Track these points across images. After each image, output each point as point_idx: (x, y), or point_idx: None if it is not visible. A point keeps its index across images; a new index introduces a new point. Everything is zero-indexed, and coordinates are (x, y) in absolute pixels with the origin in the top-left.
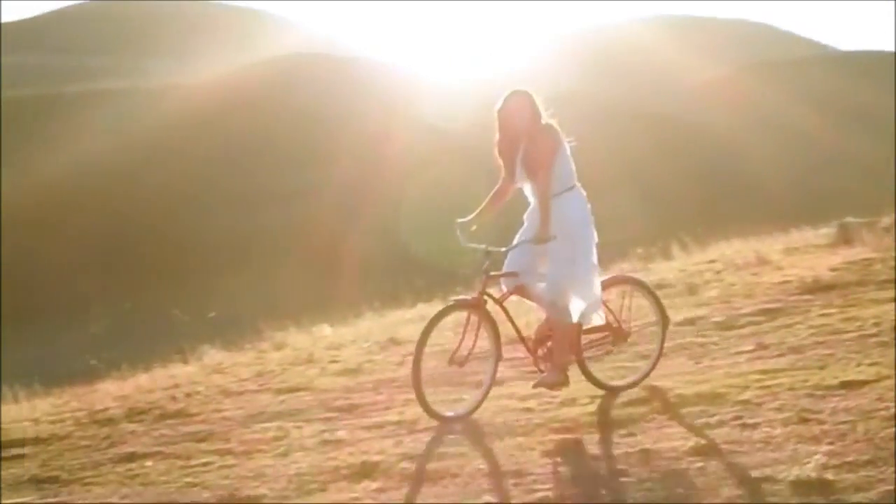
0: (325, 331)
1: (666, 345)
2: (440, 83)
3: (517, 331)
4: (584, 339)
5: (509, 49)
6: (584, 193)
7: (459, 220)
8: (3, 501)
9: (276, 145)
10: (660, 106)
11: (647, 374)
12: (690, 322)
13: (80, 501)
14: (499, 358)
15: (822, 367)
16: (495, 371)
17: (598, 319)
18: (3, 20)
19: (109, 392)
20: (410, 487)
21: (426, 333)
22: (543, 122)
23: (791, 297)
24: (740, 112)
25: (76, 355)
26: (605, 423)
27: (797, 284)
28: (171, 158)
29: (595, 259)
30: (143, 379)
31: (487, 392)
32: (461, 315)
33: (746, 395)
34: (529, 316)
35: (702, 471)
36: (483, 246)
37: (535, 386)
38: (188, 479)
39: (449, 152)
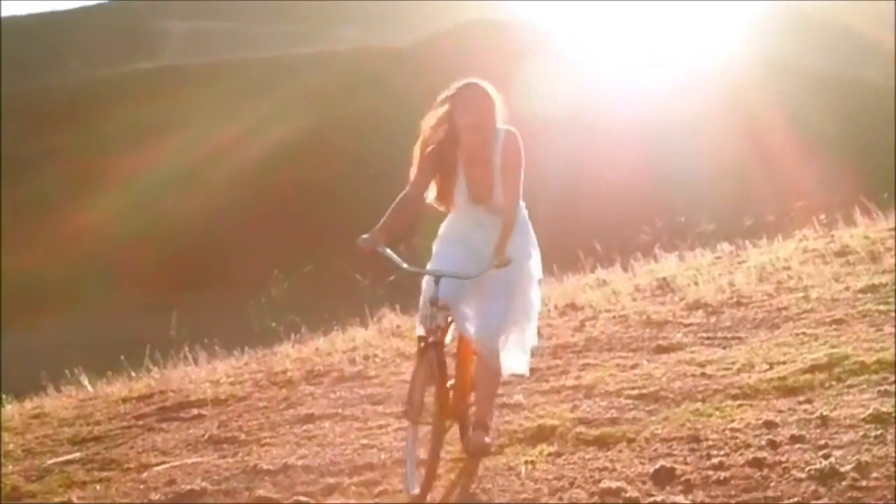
0: None
1: (848, 311)
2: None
3: (442, 379)
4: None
5: (702, 22)
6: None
7: (365, 237)
8: (185, 461)
9: None
10: (847, 75)
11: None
12: (872, 289)
13: (257, 461)
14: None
15: None
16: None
17: (523, 368)
18: None
19: (288, 355)
20: (585, 451)
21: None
22: (501, 127)
23: None
24: None
25: (257, 319)
26: (783, 390)
27: None
28: (352, 124)
29: (538, 297)
30: (321, 342)
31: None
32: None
33: None
34: None
35: (880, 438)
36: (433, 269)
37: (471, 454)
38: (364, 441)
39: (622, 131)
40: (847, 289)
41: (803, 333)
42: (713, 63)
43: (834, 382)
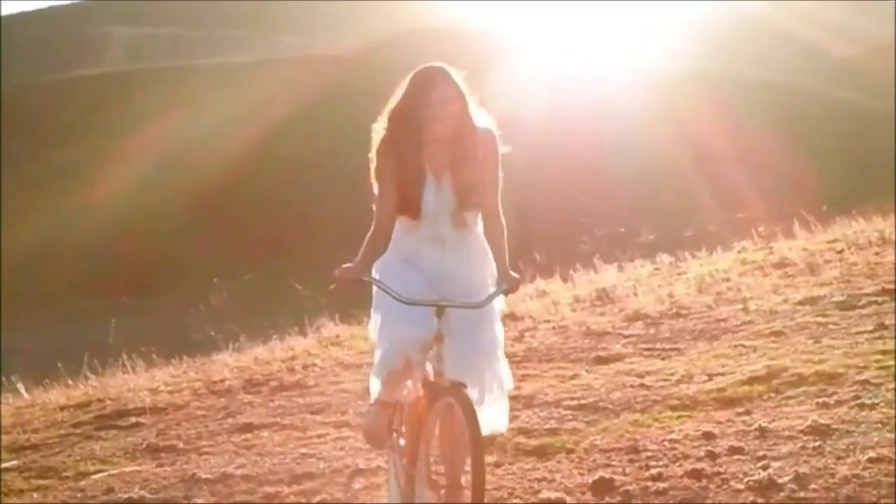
0: None
1: (787, 323)
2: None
3: (422, 435)
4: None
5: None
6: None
7: (348, 266)
8: (123, 469)
9: None
10: (794, 83)
11: None
12: (811, 301)
13: (195, 470)
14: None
15: None
16: None
17: (501, 425)
18: None
19: (227, 363)
20: (524, 462)
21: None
22: (476, 118)
23: None
24: (875, 90)
25: (196, 327)
26: (722, 401)
27: None
28: (294, 131)
29: (502, 333)
30: (260, 351)
31: None
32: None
33: (865, 375)
34: None
35: (818, 450)
36: (436, 300)
37: None
38: (304, 450)
39: (576, 134)
40: (786, 301)
41: (742, 345)
42: (653, 73)
43: (772, 394)
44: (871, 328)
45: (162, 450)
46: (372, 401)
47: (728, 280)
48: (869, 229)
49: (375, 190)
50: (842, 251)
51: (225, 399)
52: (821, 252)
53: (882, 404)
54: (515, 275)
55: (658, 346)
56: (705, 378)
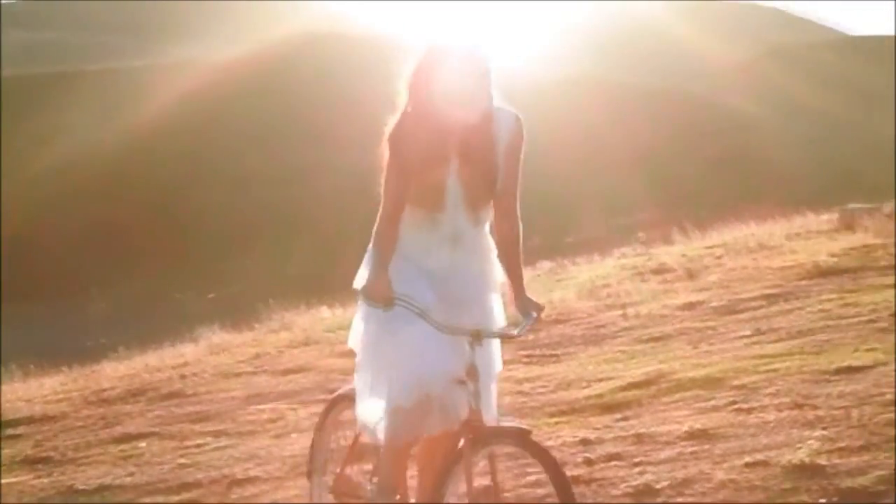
0: (324, 313)
1: (666, 329)
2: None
3: (446, 484)
4: None
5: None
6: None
7: (372, 281)
8: (1, 481)
9: (284, 125)
10: (674, 89)
11: None
12: (690, 307)
13: (72, 482)
14: None
15: (819, 353)
16: None
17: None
18: None
19: (106, 373)
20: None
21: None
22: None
23: (791, 282)
24: (755, 95)
25: (82, 336)
26: (601, 407)
27: (797, 270)
28: (178, 139)
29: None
30: (140, 361)
31: None
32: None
33: (743, 380)
34: None
35: (696, 455)
36: (475, 329)
37: None
38: (182, 460)
39: None
40: (665, 306)
41: (622, 351)
42: (537, 77)
43: (651, 399)
44: (749, 333)
45: (40, 461)
46: (359, 428)
47: (608, 286)
48: (747, 235)
49: (387, 182)
50: (721, 257)
51: (104, 409)
52: (700, 258)
53: (759, 409)
54: (531, 297)
55: (538, 352)
56: (584, 384)
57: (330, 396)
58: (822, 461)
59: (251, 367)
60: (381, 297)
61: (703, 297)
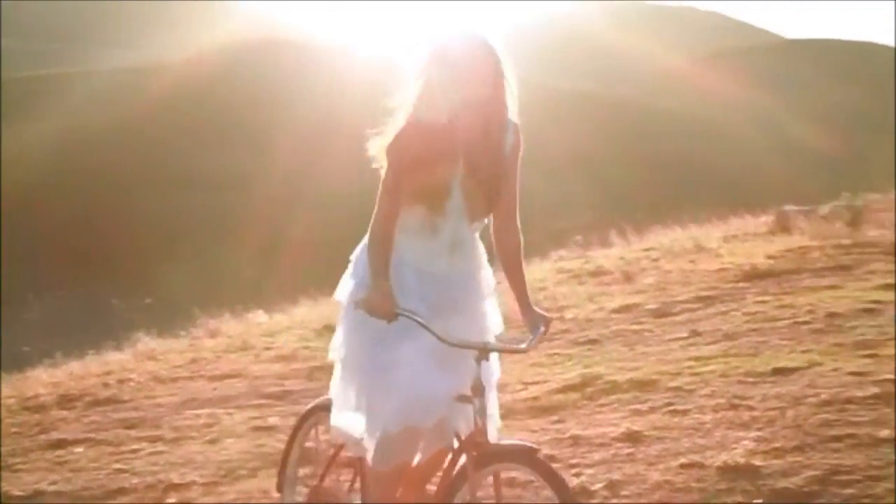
0: (260, 318)
1: (602, 332)
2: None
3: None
4: None
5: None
6: None
7: (375, 295)
8: None
9: (219, 131)
10: (610, 93)
11: None
12: (626, 309)
13: (8, 488)
14: None
15: (754, 354)
16: None
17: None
18: None
19: (41, 379)
20: (339, 474)
21: None
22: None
23: (727, 284)
24: (692, 99)
25: (10, 343)
26: (537, 410)
27: (733, 272)
28: (112, 146)
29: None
30: (75, 366)
31: None
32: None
33: (678, 382)
34: None
35: (630, 457)
36: (483, 343)
37: None
38: (117, 466)
39: None
40: (601, 309)
41: (558, 353)
42: None
43: (586, 402)
44: (684, 335)
45: None
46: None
47: (545, 289)
48: (684, 237)
49: (382, 185)
50: (658, 259)
51: (39, 415)
52: (637, 260)
53: (694, 410)
54: (538, 310)
55: None
56: (520, 387)
57: (307, 407)
58: (757, 462)
59: (187, 372)
60: (383, 310)
61: (639, 299)
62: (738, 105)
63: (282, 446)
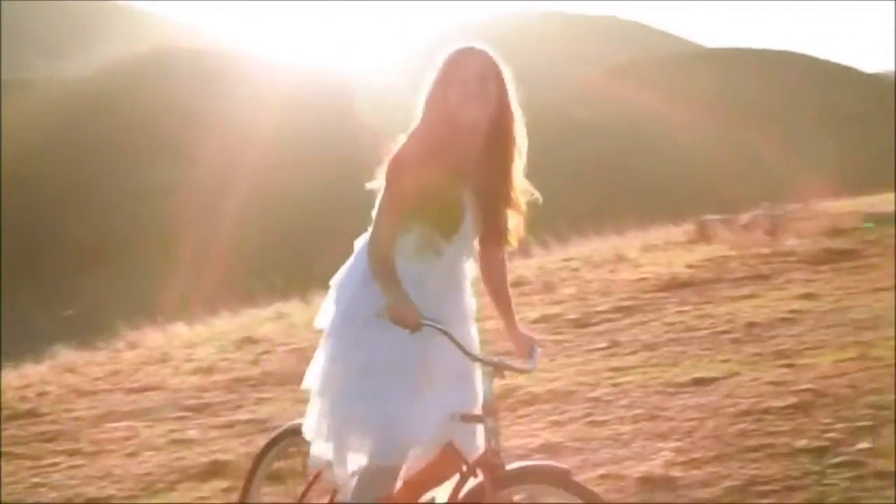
0: (181, 329)
1: None
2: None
3: None
4: None
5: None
6: None
7: (398, 305)
8: None
9: (140, 142)
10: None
11: None
12: (546, 319)
13: None
14: None
15: (673, 364)
16: None
17: None
18: None
19: None
20: (267, 486)
21: None
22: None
23: (646, 294)
24: (611, 107)
25: None
26: None
27: (653, 282)
28: (32, 156)
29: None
30: None
31: None
32: None
33: (597, 393)
34: None
35: None
36: (498, 360)
37: None
38: (36, 480)
39: (316, 150)
40: (521, 319)
41: None
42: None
43: (506, 413)
44: (604, 345)
45: None
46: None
47: None
48: (604, 247)
49: (382, 204)
50: (578, 269)
51: None
52: (557, 270)
53: (613, 421)
54: (525, 331)
55: None
56: None
57: (275, 432)
58: (676, 472)
59: (106, 385)
60: (409, 319)
61: (558, 309)
62: (655, 113)
63: (201, 459)
